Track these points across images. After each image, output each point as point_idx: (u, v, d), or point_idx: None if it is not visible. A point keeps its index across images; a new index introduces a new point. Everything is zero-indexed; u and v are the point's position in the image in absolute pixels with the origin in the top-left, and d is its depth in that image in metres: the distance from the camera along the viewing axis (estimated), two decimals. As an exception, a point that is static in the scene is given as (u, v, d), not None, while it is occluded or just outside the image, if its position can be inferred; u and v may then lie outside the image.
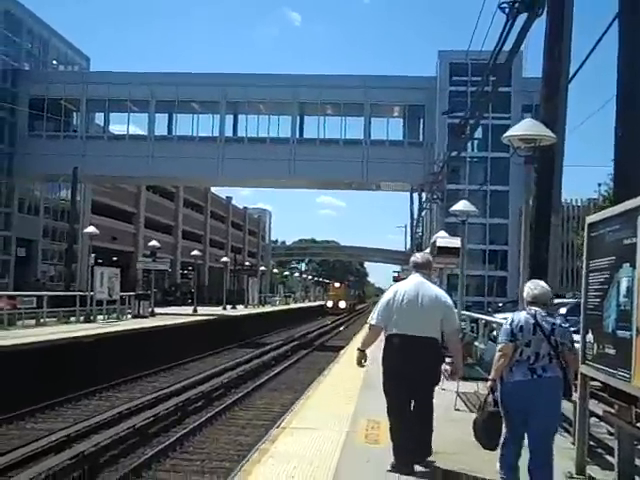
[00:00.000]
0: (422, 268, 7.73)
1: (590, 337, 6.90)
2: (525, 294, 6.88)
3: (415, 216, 55.82)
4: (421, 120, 53.12)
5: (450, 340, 7.62)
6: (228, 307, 54.89)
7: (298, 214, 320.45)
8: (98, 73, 58.20)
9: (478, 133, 53.52)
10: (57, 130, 53.66)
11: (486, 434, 6.77)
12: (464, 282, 21.65)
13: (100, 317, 32.76)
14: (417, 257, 7.95)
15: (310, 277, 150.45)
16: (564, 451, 7.84)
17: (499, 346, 6.70)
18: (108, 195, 69.76)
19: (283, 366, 29.65)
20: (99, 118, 56.69)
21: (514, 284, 17.99)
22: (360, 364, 7.72)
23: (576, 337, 7.77)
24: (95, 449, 13.27)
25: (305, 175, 51.39)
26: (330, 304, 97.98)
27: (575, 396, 7.46)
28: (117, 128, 56.29)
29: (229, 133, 52.95)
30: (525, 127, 10.16)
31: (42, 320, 28.66)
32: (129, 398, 20.05)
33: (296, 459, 7.63)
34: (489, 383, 6.78)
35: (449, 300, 7.78)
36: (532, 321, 6.53)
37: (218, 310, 50.51)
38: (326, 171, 49.88)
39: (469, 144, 54.36)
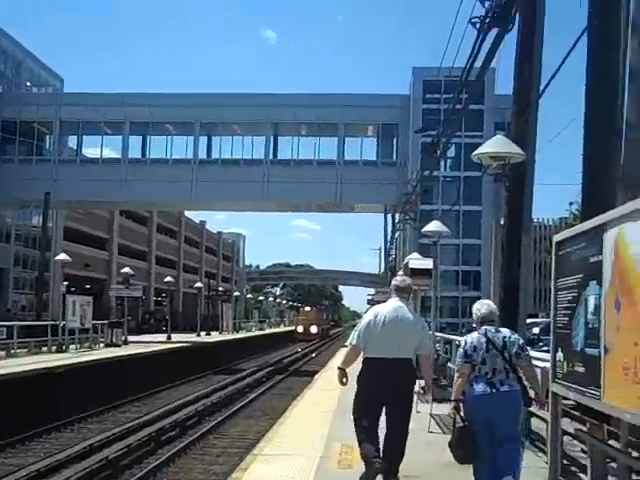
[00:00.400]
0: (402, 292, 7.98)
1: (560, 355, 6.82)
2: (474, 316, 7.32)
3: (389, 238, 55.84)
4: (395, 139, 53.21)
5: (423, 364, 7.95)
6: (202, 334, 54.48)
7: (272, 237, 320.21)
8: (72, 94, 57.79)
9: (451, 152, 53.82)
10: (29, 154, 52.98)
11: (462, 449, 6.94)
12: (437, 303, 21.61)
13: (72, 346, 32.23)
14: (398, 281, 8.18)
15: (285, 302, 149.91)
16: (538, 470, 7.77)
17: (456, 368, 7.24)
18: (81, 221, 69.33)
19: (258, 392, 29.38)
20: (72, 141, 56.15)
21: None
22: (342, 382, 7.87)
23: (547, 355, 7.75)
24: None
25: (279, 197, 51.13)
26: (300, 329, 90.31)
27: (542, 411, 7.46)
28: (90, 152, 55.83)
29: (203, 155, 52.71)
30: (495, 144, 10.13)
31: (13, 351, 28.15)
32: (101, 430, 19.69)
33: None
34: (453, 404, 7.10)
35: (425, 325, 8.33)
36: (484, 339, 6.99)
37: (192, 337, 50.08)
38: (300, 193, 49.75)
39: (442, 164, 54.56)
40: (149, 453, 16.56)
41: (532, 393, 7.25)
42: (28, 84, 62.51)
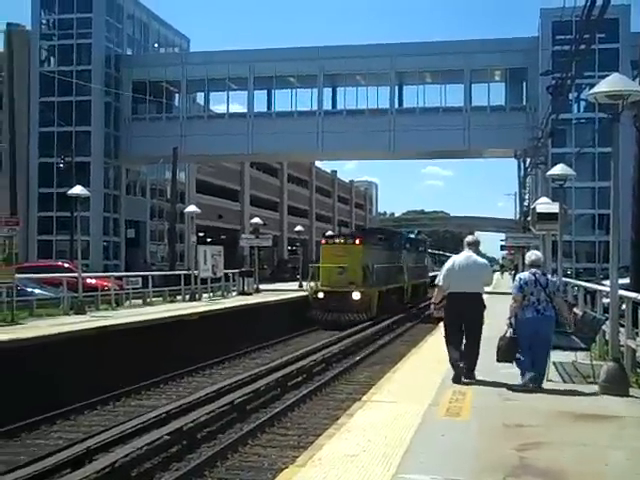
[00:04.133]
0: (470, 246, 11.13)
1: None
2: (526, 261, 10.86)
3: (521, 182, 54.65)
4: (524, 83, 51.79)
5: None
6: (334, 281, 54.78)
7: (405, 185, 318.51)
8: (197, 53, 59.23)
9: (585, 94, 51.72)
10: (159, 112, 55.08)
11: (507, 352, 10.14)
12: (572, 248, 21.04)
13: (205, 295, 33.30)
14: (468, 238, 11.48)
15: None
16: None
17: (512, 296, 10.35)
18: (213, 174, 71.11)
19: (387, 339, 29.43)
20: (200, 98, 57.80)
21: (627, 249, 17.41)
22: (436, 309, 11.37)
23: None
24: (193, 425, 13.45)
25: (406, 146, 51.00)
26: (321, 294, 34.50)
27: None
28: (218, 107, 57.26)
29: (327, 106, 53.06)
30: (611, 83, 9.59)
31: (148, 300, 29.37)
32: (231, 374, 20.28)
33: (371, 432, 7.51)
34: (507, 321, 10.30)
35: (490, 269, 11.83)
36: (533, 278, 10.18)
37: (325, 285, 50.43)
38: (427, 141, 49.43)
39: (576, 106, 52.63)
40: (275, 398, 16.91)
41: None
42: (156, 46, 63.93)
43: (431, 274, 54.62)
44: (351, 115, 51.80)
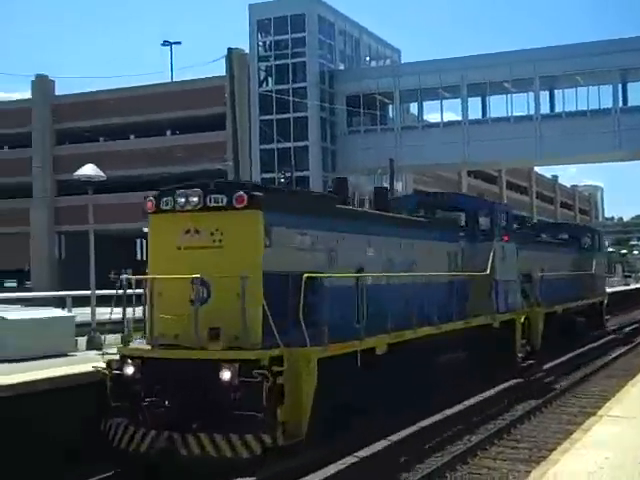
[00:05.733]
0: None
1: None
2: None
3: None
4: None
5: None
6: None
7: (634, 188, 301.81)
8: (409, 64, 60.00)
9: None
10: (373, 124, 56.05)
11: None
12: None
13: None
14: None
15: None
16: None
17: None
18: (430, 183, 71.18)
19: (620, 351, 27.98)
20: (413, 108, 58.28)
21: None
22: None
23: None
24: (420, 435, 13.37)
25: (634, 146, 48.50)
26: (131, 368, 10.74)
27: None
28: (430, 117, 57.44)
29: (545, 110, 51.70)
30: None
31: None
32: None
33: (609, 449, 7.02)
34: None
35: None
36: None
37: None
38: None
39: None
40: (503, 410, 16.46)
41: None
42: (367, 59, 65.14)
43: None
44: (571, 117, 50.14)
